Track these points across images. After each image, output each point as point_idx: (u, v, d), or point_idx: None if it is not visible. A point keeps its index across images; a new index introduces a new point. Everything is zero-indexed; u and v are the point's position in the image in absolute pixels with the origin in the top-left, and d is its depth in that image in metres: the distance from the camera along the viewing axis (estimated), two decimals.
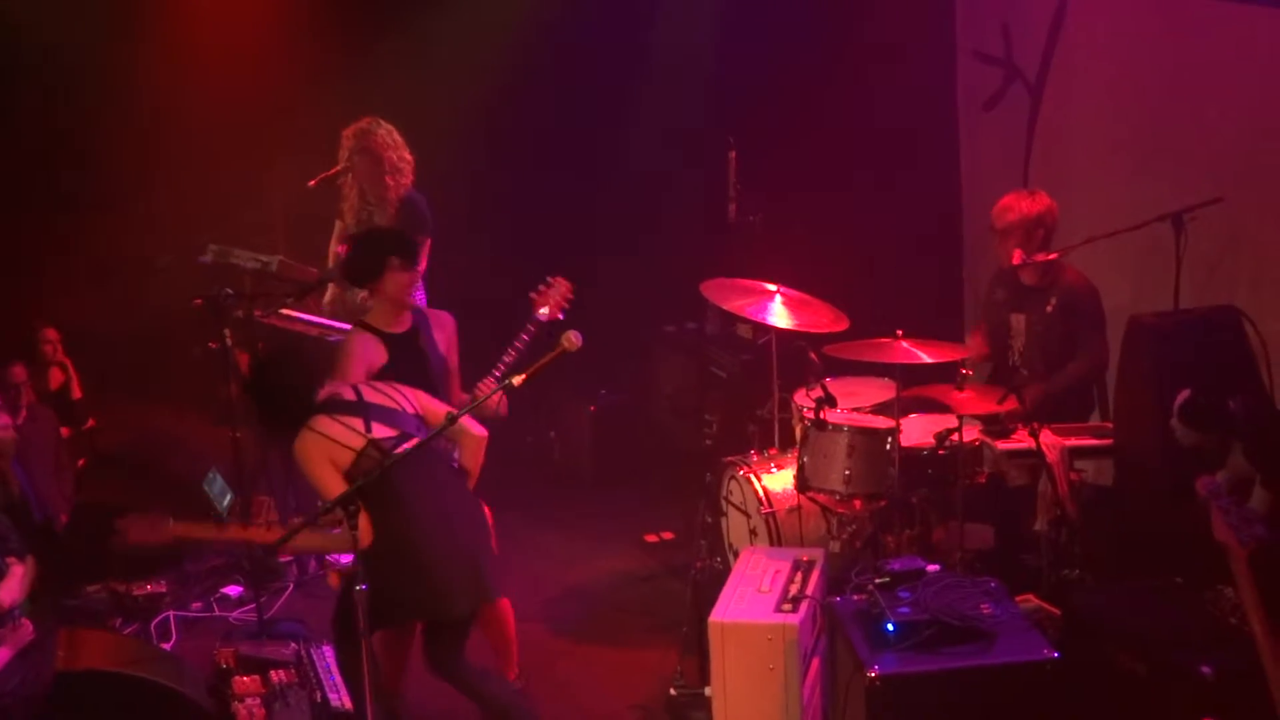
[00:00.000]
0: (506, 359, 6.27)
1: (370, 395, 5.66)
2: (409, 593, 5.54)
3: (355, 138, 7.85)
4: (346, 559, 7.65)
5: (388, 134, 7.86)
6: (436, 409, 5.77)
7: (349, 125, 7.96)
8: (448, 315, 6.49)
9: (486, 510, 6.00)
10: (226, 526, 6.10)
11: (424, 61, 9.80)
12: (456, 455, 5.89)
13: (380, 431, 5.53)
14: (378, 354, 6.19)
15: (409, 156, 7.90)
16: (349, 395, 5.64)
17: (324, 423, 5.51)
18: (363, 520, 5.25)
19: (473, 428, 5.80)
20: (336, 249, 8.15)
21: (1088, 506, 6.52)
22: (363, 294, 7.82)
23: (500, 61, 9.74)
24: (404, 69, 9.70)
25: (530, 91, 9.85)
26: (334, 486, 5.40)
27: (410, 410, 5.68)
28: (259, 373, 5.81)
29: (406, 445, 5.51)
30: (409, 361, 6.19)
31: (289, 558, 7.91)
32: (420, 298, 7.89)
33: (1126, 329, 6.53)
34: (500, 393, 5.70)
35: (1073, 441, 6.55)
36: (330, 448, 5.47)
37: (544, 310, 6.31)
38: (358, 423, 5.53)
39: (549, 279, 6.35)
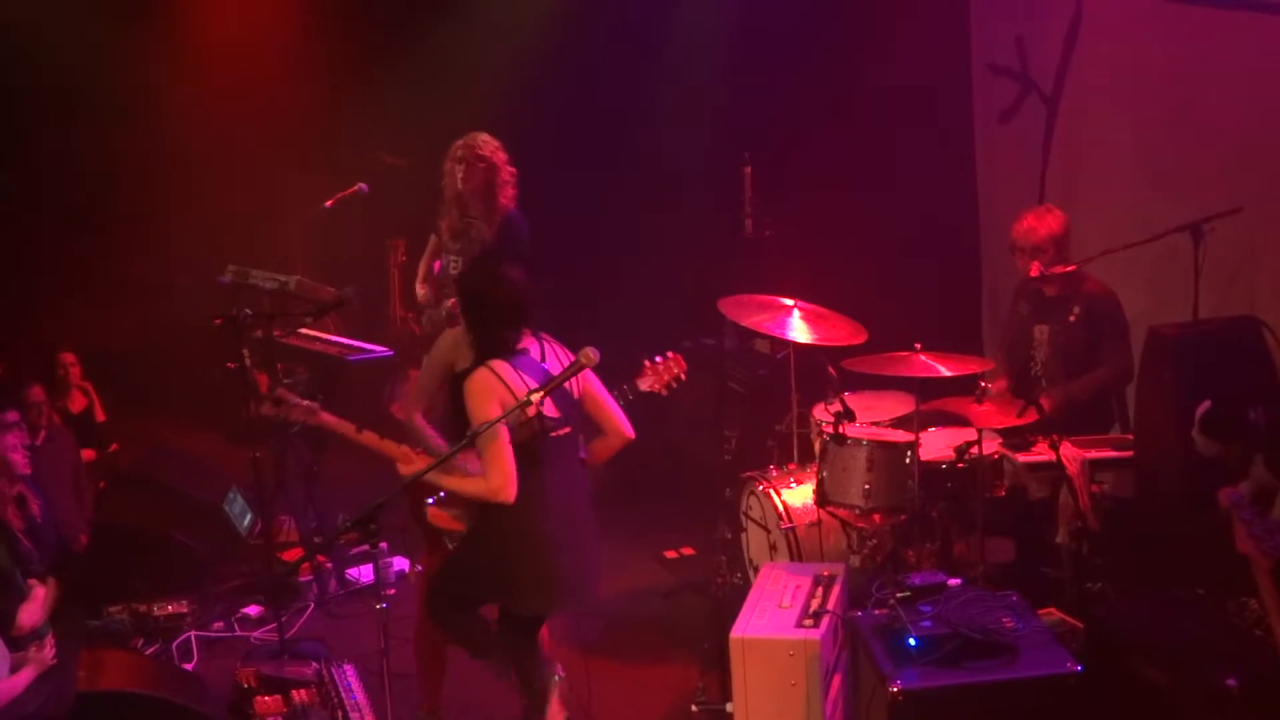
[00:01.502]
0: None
1: (551, 363, 5.60)
2: (522, 579, 5.53)
3: (467, 146, 7.70)
4: (368, 579, 7.71)
5: (502, 149, 7.77)
6: (599, 395, 5.72)
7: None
8: (564, 350, 6.30)
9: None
10: (364, 432, 5.91)
11: (434, 79, 9.84)
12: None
13: (548, 408, 5.46)
14: (465, 355, 6.08)
15: (515, 171, 7.83)
16: (536, 355, 5.60)
17: (504, 369, 5.45)
18: (501, 470, 5.28)
19: (624, 427, 5.75)
20: (429, 263, 8.09)
21: (1109, 518, 6.49)
22: (451, 302, 7.83)
23: (514, 80, 9.77)
24: (417, 93, 9.74)
25: (543, 108, 9.87)
26: (498, 429, 5.31)
27: (575, 394, 5.62)
28: (480, 278, 5.69)
29: (562, 432, 5.49)
30: None
31: (309, 577, 7.92)
32: None
33: (1146, 340, 6.51)
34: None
35: (1093, 453, 6.52)
36: (506, 396, 5.38)
37: (645, 383, 6.06)
38: (533, 383, 5.44)
39: (668, 354, 6.07)
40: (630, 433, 5.80)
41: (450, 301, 7.87)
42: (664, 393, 5.92)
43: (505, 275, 5.63)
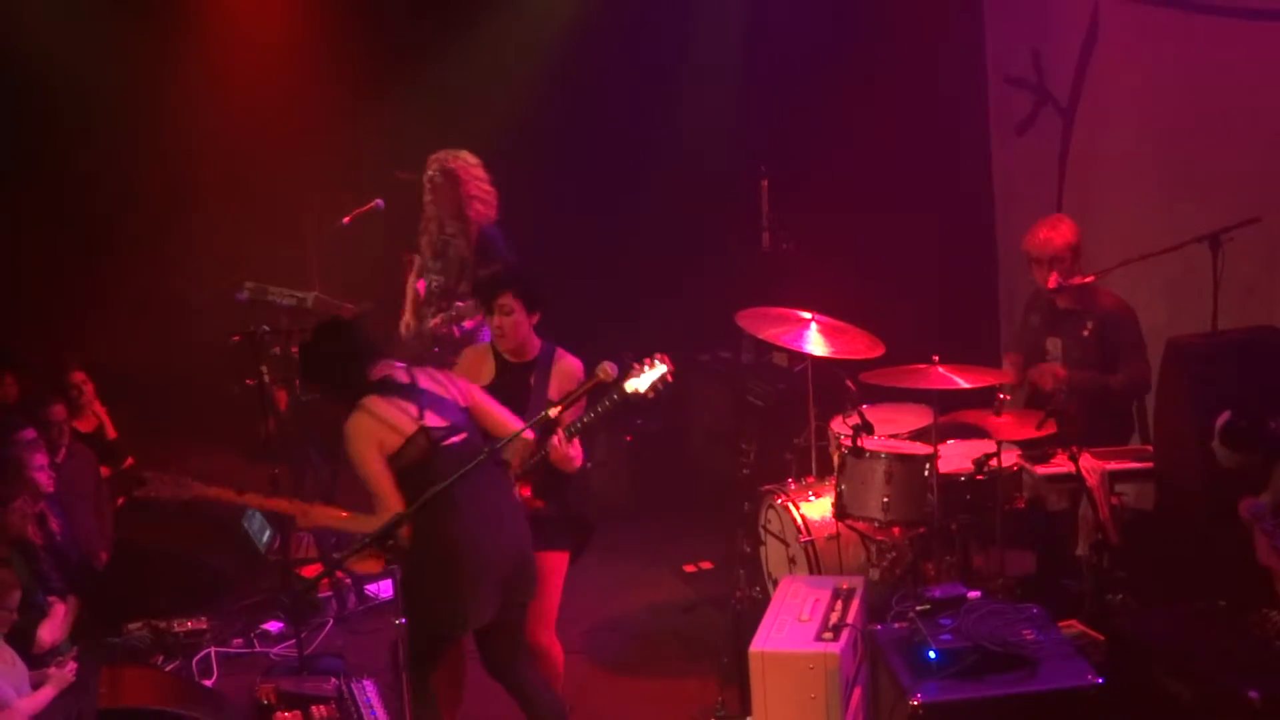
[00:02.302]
0: (584, 419, 5.87)
1: (424, 380, 5.60)
2: (457, 601, 5.49)
3: (439, 163, 7.85)
4: (386, 595, 7.71)
5: (473, 164, 7.85)
6: (490, 408, 5.71)
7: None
8: (575, 361, 6.20)
9: (525, 491, 5.92)
10: (246, 493, 5.92)
11: (451, 94, 9.87)
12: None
13: (432, 420, 5.48)
14: (486, 372, 6.13)
15: (493, 190, 7.89)
16: (403, 378, 5.59)
17: (377, 403, 5.46)
18: (390, 504, 5.30)
19: (517, 424, 5.68)
20: (414, 285, 8.16)
21: (1129, 530, 6.46)
22: (434, 321, 7.86)
23: (529, 91, 9.80)
24: (431, 103, 9.78)
25: (560, 123, 9.91)
26: (377, 470, 5.37)
27: (462, 402, 5.62)
28: (313, 337, 5.74)
29: (454, 439, 5.47)
30: (510, 390, 6.04)
31: (328, 593, 7.93)
32: (487, 338, 7.89)
33: (1165, 351, 6.49)
34: (569, 437, 5.71)
35: (1113, 465, 6.50)
36: (380, 430, 5.41)
37: (633, 386, 5.84)
38: (411, 407, 5.47)
39: (656, 356, 5.87)
40: (527, 432, 5.70)
41: (434, 321, 7.92)
42: (651, 395, 5.86)
43: (334, 328, 5.71)
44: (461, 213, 7.88)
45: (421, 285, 8.11)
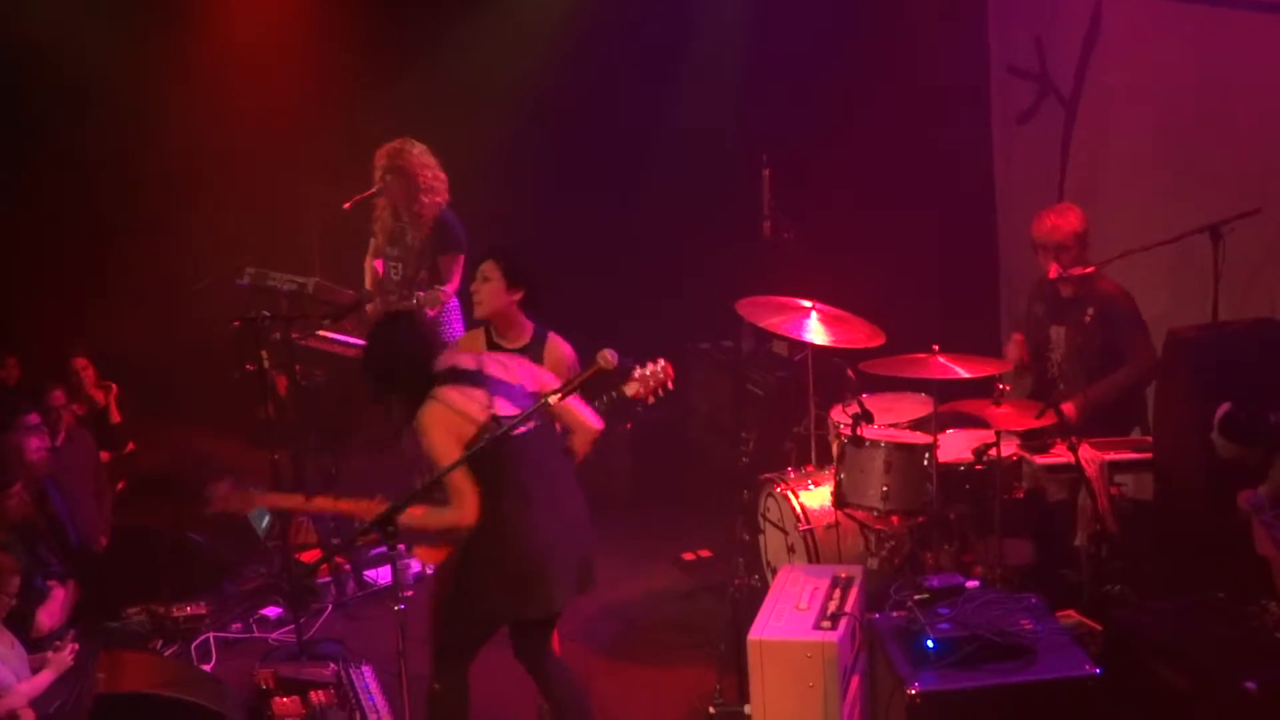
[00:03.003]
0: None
1: (491, 367, 5.57)
2: (514, 585, 5.48)
3: (387, 157, 7.93)
4: (385, 581, 7.73)
5: (421, 153, 7.93)
6: (555, 384, 5.67)
7: (382, 147, 8.02)
8: (567, 346, 6.28)
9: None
10: (314, 499, 5.91)
11: (454, 84, 9.87)
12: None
13: (502, 407, 5.44)
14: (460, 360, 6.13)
15: (443, 175, 7.97)
16: (469, 364, 5.56)
17: (448, 392, 5.42)
18: (470, 497, 5.28)
19: (588, 420, 5.72)
20: (372, 263, 8.20)
21: (1128, 521, 6.47)
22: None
23: (532, 81, 9.80)
24: (436, 92, 9.77)
25: (562, 111, 9.90)
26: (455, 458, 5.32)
27: (530, 387, 5.59)
28: (374, 334, 5.73)
29: (524, 428, 5.43)
30: None
31: (327, 579, 7.94)
32: (455, 321, 7.91)
33: (1165, 342, 6.49)
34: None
35: (1112, 455, 6.50)
36: (455, 419, 5.37)
37: (632, 389, 5.90)
38: (481, 395, 5.44)
39: (657, 360, 5.91)
40: (597, 424, 5.76)
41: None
42: (650, 400, 5.86)
43: (396, 323, 5.68)
44: (414, 206, 7.93)
45: (380, 264, 8.16)
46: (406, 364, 5.53)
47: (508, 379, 5.55)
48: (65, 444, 8.16)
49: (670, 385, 5.87)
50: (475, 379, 5.50)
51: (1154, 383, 6.79)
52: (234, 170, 10.31)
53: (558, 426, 5.76)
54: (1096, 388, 6.86)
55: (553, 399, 5.34)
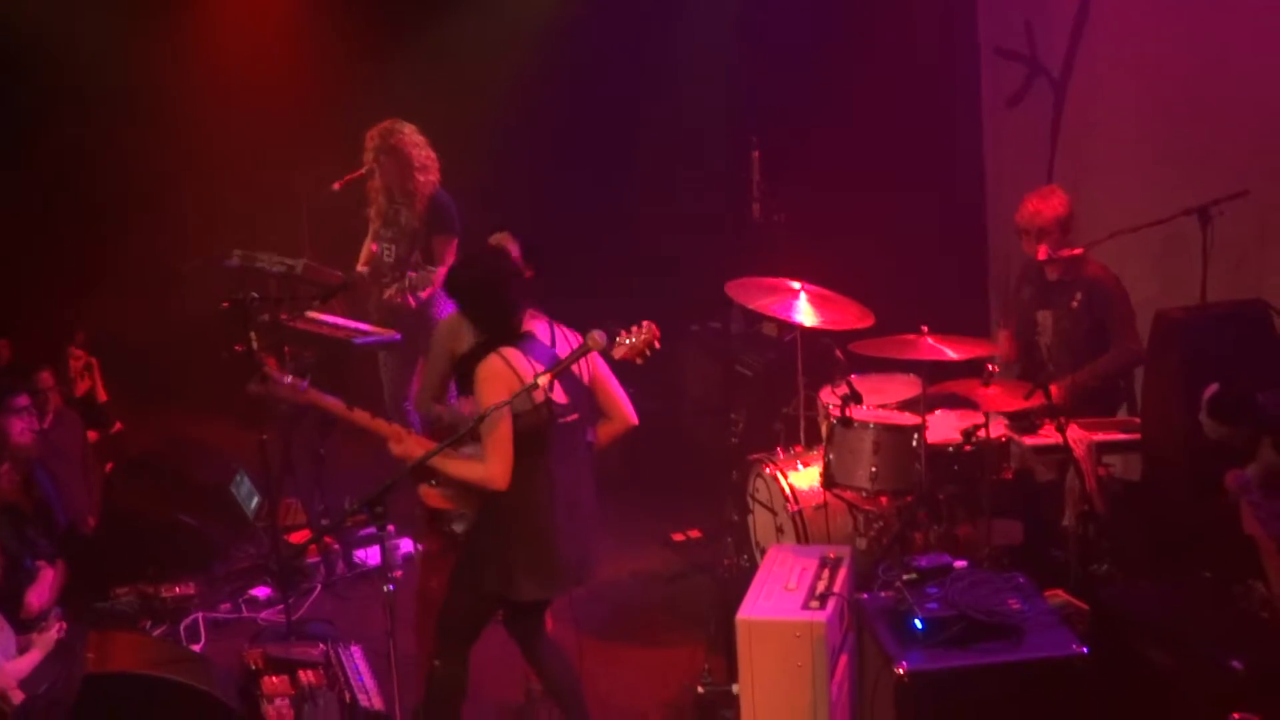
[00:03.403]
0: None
1: (561, 347, 5.57)
2: (530, 566, 5.51)
3: (379, 137, 7.93)
4: (375, 561, 7.73)
5: (412, 132, 7.94)
6: (609, 385, 5.72)
7: (371, 128, 8.01)
8: (573, 335, 6.17)
9: None
10: (355, 409, 5.87)
11: (445, 66, 9.84)
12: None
13: (557, 394, 5.45)
14: (465, 338, 5.99)
15: (434, 155, 7.96)
16: (545, 338, 5.58)
17: (515, 357, 5.43)
18: (501, 461, 5.29)
19: (629, 413, 5.75)
20: (370, 247, 8.19)
21: (1116, 501, 6.49)
22: (390, 292, 7.87)
23: (521, 63, 9.79)
24: (425, 74, 9.75)
25: (552, 93, 9.88)
26: (504, 421, 5.31)
27: (585, 379, 5.61)
28: (482, 256, 5.73)
29: (569, 418, 5.47)
30: None
31: (316, 559, 7.94)
32: (446, 302, 7.89)
33: (1154, 323, 6.50)
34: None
35: (1100, 436, 6.52)
36: (512, 382, 5.35)
37: (619, 352, 5.84)
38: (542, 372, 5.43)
39: (642, 322, 5.87)
40: (634, 419, 5.79)
41: (388, 292, 7.93)
42: (639, 361, 5.84)
43: (494, 262, 5.62)
44: (408, 185, 7.92)
45: (375, 247, 8.16)
46: (491, 297, 5.53)
47: (572, 366, 5.53)
48: (53, 425, 8.14)
49: (657, 345, 5.83)
50: (544, 355, 5.51)
51: (1142, 364, 6.80)
52: (223, 152, 10.29)
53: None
54: (1080, 375, 6.86)
55: (542, 380, 5.34)
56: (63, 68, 10.06)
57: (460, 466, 5.46)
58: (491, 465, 5.34)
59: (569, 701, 5.88)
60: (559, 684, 5.89)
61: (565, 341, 5.63)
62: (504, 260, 5.72)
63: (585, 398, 5.63)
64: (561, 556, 5.58)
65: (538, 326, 5.64)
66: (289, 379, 6.09)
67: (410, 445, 5.67)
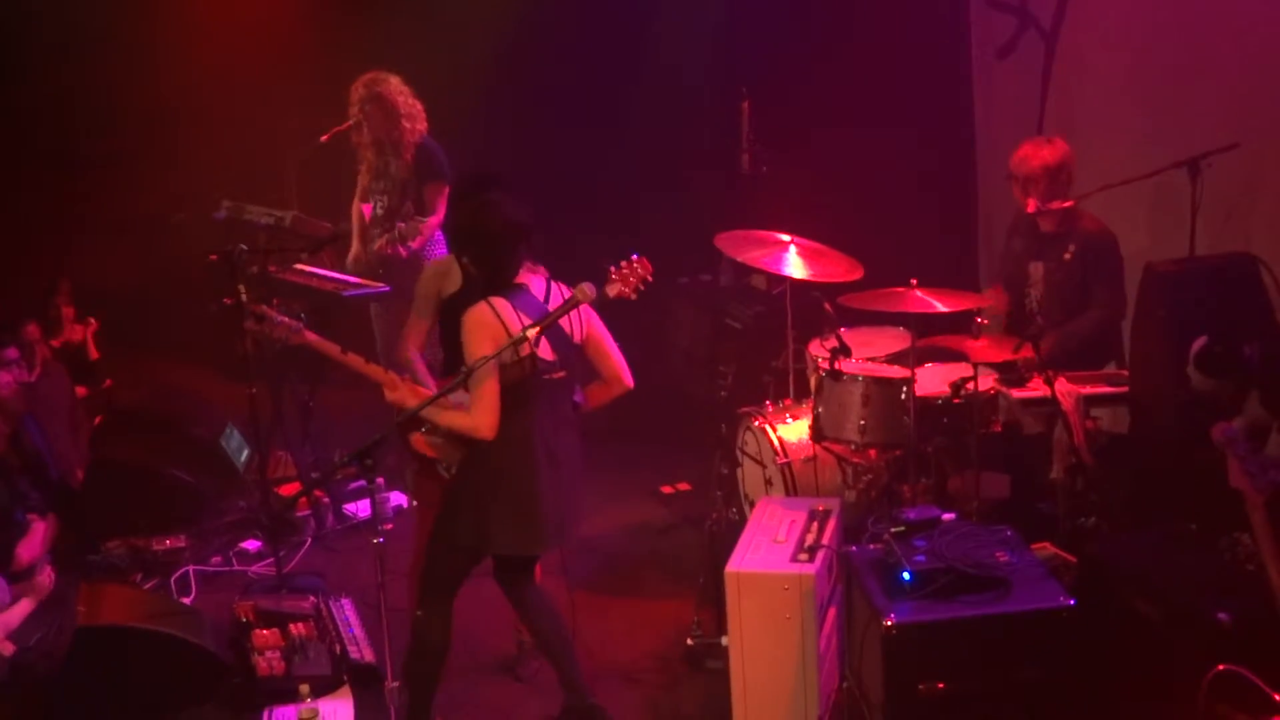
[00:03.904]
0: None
1: (555, 303, 5.51)
2: (507, 521, 5.52)
3: (365, 87, 7.91)
4: (365, 514, 7.74)
5: (398, 82, 7.92)
6: (605, 344, 5.69)
7: (357, 79, 7.98)
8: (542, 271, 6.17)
9: None
10: (349, 354, 5.87)
11: (432, 17, 9.79)
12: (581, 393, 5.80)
13: (544, 350, 5.43)
14: (451, 283, 6.03)
15: (419, 104, 7.94)
16: (538, 293, 5.54)
17: (504, 307, 5.40)
18: (487, 411, 5.29)
19: (624, 375, 5.72)
20: (359, 207, 8.17)
21: (1104, 454, 6.50)
22: (380, 243, 7.86)
23: (509, 14, 9.72)
24: (413, 25, 9.70)
25: (540, 44, 9.83)
26: (487, 368, 5.30)
27: (576, 338, 5.57)
28: (487, 202, 5.54)
29: (556, 375, 5.45)
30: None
31: (307, 512, 7.96)
32: (440, 251, 7.88)
33: (1142, 276, 6.49)
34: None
35: (1088, 389, 6.53)
36: (498, 332, 5.33)
37: (613, 290, 5.77)
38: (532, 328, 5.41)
39: (633, 257, 5.82)
40: (630, 381, 5.76)
41: (379, 243, 7.92)
42: (633, 296, 5.79)
43: (495, 202, 5.49)
44: (395, 134, 7.90)
45: (368, 209, 8.12)
46: (490, 242, 5.48)
47: (561, 323, 5.50)
48: (41, 378, 8.13)
49: (650, 279, 5.79)
50: (534, 309, 5.47)
51: (1130, 316, 6.80)
52: (211, 103, 10.24)
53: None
54: (1059, 335, 6.85)
55: (530, 333, 5.33)
56: (45, 17, 9.98)
57: (449, 416, 5.46)
58: (477, 415, 5.33)
59: (559, 654, 5.89)
60: (548, 637, 5.90)
61: (561, 298, 5.57)
62: (512, 207, 5.56)
63: (575, 356, 5.60)
64: (540, 514, 5.56)
65: (533, 281, 5.60)
66: (284, 318, 6.08)
67: (404, 393, 5.66)
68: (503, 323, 5.37)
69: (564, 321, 5.51)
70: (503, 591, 5.89)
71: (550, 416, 5.56)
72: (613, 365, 5.73)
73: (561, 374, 5.52)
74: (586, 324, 5.65)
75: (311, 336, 6.02)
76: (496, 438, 5.37)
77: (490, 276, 5.52)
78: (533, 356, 5.40)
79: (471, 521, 5.54)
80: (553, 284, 5.66)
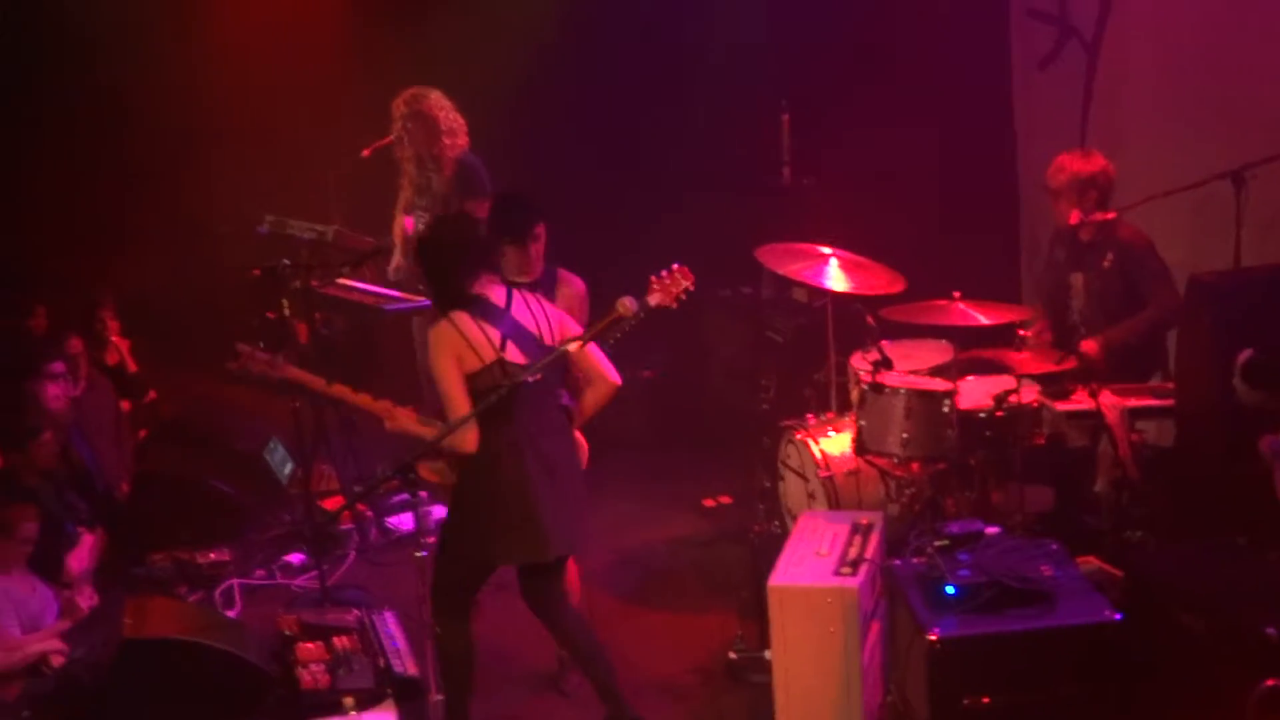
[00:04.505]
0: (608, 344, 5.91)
1: (517, 308, 5.57)
2: (506, 531, 5.52)
3: (406, 104, 7.93)
4: (408, 527, 7.77)
5: (438, 98, 7.93)
6: (586, 350, 5.64)
7: (399, 95, 8.01)
8: (578, 281, 6.29)
9: (582, 441, 5.94)
10: (335, 385, 6.02)
11: (474, 30, 9.81)
12: (566, 394, 5.81)
13: (512, 354, 5.47)
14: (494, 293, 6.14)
15: (461, 119, 7.96)
16: (499, 300, 5.57)
17: (464, 320, 5.46)
18: (472, 429, 5.34)
19: (609, 374, 5.70)
20: (401, 220, 8.19)
21: (1149, 467, 6.46)
22: None
23: (550, 26, 9.74)
24: (455, 38, 9.72)
25: (582, 56, 9.84)
26: (454, 383, 5.40)
27: (548, 340, 5.59)
28: (432, 227, 5.79)
29: (532, 377, 5.44)
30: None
31: (350, 525, 7.98)
32: None
33: (1186, 288, 6.45)
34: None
35: (1133, 402, 6.49)
36: (461, 346, 5.42)
37: (655, 299, 5.78)
38: (495, 334, 5.46)
39: (674, 267, 5.84)
40: (615, 379, 5.72)
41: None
42: (674, 305, 5.79)
43: (457, 221, 5.66)
44: (436, 150, 7.92)
45: (409, 222, 8.15)
46: (447, 266, 5.55)
47: (529, 327, 5.56)
48: (86, 392, 8.20)
49: (691, 288, 5.81)
50: (497, 317, 5.51)
51: (1175, 329, 6.76)
52: (254, 118, 10.29)
53: (573, 379, 5.77)
54: (1117, 329, 6.82)
55: (572, 347, 5.34)
56: (94, 30, 10.05)
57: (432, 433, 5.51)
58: (448, 427, 5.36)
59: (592, 666, 5.90)
60: (580, 651, 5.92)
61: (524, 306, 5.61)
62: (470, 226, 5.75)
63: (551, 360, 5.55)
64: (539, 520, 5.55)
65: (493, 291, 5.60)
66: (263, 355, 6.11)
67: (402, 421, 5.74)
68: (463, 335, 5.43)
69: (533, 324, 5.56)
70: (529, 606, 5.89)
71: (535, 422, 5.56)
72: (596, 366, 5.70)
73: (537, 376, 5.47)
74: (559, 327, 5.66)
75: (293, 371, 6.08)
76: (483, 449, 5.40)
77: (439, 290, 5.57)
78: (501, 362, 5.43)
79: (473, 534, 5.57)
80: (516, 294, 5.66)
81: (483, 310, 5.52)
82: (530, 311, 5.62)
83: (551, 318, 5.67)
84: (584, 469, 5.94)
